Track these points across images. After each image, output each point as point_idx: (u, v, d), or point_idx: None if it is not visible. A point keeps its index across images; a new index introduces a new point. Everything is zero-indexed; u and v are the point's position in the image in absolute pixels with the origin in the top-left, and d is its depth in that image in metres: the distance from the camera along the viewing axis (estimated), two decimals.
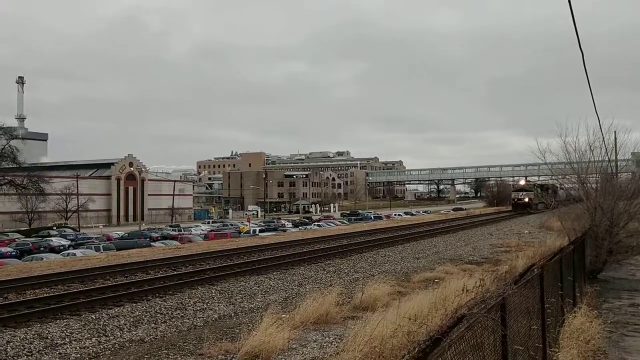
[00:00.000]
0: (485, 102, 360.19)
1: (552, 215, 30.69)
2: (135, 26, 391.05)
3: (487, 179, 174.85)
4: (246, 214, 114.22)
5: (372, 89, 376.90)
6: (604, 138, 19.66)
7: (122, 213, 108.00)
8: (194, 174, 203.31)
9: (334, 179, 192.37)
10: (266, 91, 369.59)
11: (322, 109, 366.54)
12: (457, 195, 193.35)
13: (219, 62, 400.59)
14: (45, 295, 16.52)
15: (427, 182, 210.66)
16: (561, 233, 23.19)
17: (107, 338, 12.06)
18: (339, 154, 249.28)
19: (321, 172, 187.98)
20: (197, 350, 10.81)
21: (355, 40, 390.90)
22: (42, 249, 48.55)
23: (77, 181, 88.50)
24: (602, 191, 19.34)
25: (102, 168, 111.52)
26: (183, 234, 60.62)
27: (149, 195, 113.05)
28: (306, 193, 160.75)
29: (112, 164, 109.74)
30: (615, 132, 21.06)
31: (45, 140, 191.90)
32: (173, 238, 56.37)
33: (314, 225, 70.91)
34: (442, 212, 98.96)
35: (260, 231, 59.38)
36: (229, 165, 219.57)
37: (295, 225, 75.06)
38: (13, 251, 46.93)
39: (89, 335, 12.16)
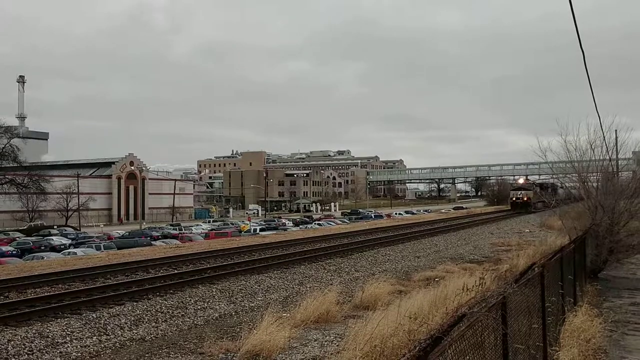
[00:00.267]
0: (486, 101, 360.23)
1: (552, 214, 30.73)
2: (136, 26, 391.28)
3: (487, 178, 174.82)
4: (247, 213, 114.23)
5: (373, 88, 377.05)
6: (604, 137, 19.64)
7: (122, 212, 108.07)
8: (195, 173, 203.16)
9: (334, 178, 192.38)
10: (268, 90, 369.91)
11: (323, 108, 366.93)
12: (458, 194, 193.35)
13: (221, 62, 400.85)
14: (46, 294, 16.52)
15: (427, 181, 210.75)
16: (562, 232, 23.18)
17: (108, 337, 12.07)
18: (340, 153, 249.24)
19: (322, 171, 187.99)
20: (198, 349, 10.82)
21: (357, 39, 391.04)
22: (42, 248, 48.59)
23: (77, 180, 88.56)
24: (603, 190, 19.33)
25: (102, 167, 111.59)
26: (184, 233, 60.62)
27: (149, 194, 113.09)
28: (307, 192, 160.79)
29: (113, 163, 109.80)
30: (616, 130, 21.03)
31: (46, 140, 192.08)
32: (174, 237, 56.38)
33: (315, 224, 70.88)
34: (442, 211, 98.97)
35: (261, 230, 59.39)
36: (229, 164, 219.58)
37: (296, 224, 75.05)
38: (14, 250, 46.98)
39: (89, 334, 12.17)
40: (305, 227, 64.39)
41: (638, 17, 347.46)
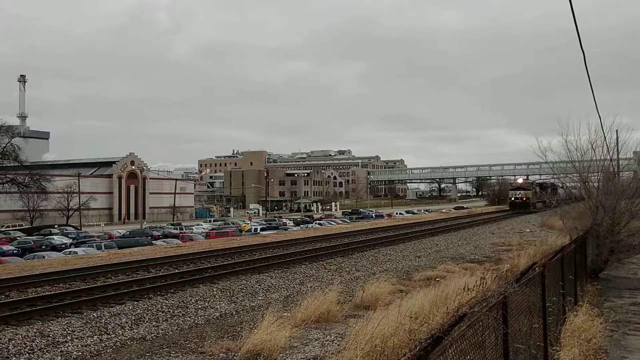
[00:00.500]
0: (486, 101, 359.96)
1: (553, 214, 30.71)
2: (136, 25, 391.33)
3: (488, 178, 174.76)
4: (247, 213, 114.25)
5: (373, 88, 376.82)
6: (605, 137, 19.62)
7: (123, 211, 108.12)
8: (196, 173, 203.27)
9: (335, 178, 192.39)
10: (268, 90, 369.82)
11: (323, 108, 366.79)
12: (459, 194, 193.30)
13: (221, 61, 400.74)
14: (47, 293, 16.53)
15: (428, 181, 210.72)
16: (562, 232, 23.17)
17: (109, 336, 12.08)
18: (341, 152, 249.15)
19: (322, 171, 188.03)
20: (199, 349, 10.83)
21: (357, 39, 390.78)
22: (43, 247, 48.64)
23: (78, 179, 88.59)
24: (604, 190, 19.31)
25: (103, 166, 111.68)
26: (184, 233, 60.65)
27: (150, 193, 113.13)
28: (307, 192, 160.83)
29: (114, 162, 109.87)
30: (617, 130, 21.00)
31: (47, 139, 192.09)
32: (174, 236, 56.40)
33: (315, 223, 70.87)
34: (443, 211, 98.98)
35: (262, 230, 59.41)
36: (230, 163, 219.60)
37: (297, 223, 75.04)
38: (15, 249, 47.02)
39: (90, 333, 12.18)
40: (306, 227, 64.38)
41: (638, 16, 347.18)
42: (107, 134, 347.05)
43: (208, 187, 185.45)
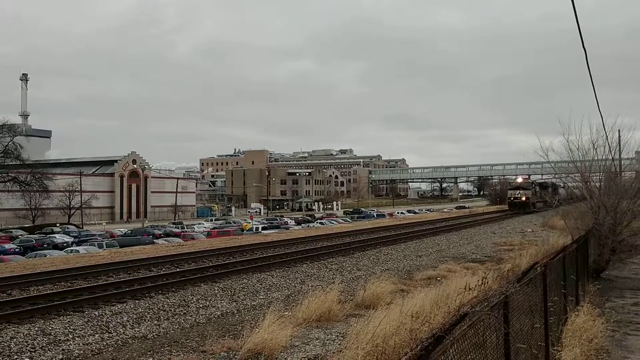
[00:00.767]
0: (488, 100, 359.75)
1: (555, 214, 30.69)
2: (137, 25, 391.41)
3: (490, 178, 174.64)
4: (249, 212, 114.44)
5: (375, 87, 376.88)
6: (607, 136, 19.58)
7: (125, 210, 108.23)
8: (197, 172, 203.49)
9: (336, 177, 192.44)
10: (270, 90, 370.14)
11: (324, 108, 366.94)
12: (460, 194, 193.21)
13: (222, 61, 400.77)
14: (48, 291, 16.55)
15: (430, 181, 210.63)
16: (564, 232, 23.15)
17: (110, 334, 12.09)
18: (342, 152, 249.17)
19: (324, 170, 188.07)
20: (200, 347, 10.83)
21: (359, 39, 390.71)
22: (45, 245, 48.73)
23: (80, 178, 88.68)
24: (606, 190, 19.28)
25: (105, 165, 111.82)
26: (186, 232, 60.73)
27: (152, 192, 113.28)
28: (309, 191, 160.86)
29: (116, 161, 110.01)
30: (619, 130, 20.97)
31: (49, 138, 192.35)
32: (176, 235, 56.53)
33: (317, 223, 70.93)
34: (445, 210, 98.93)
35: (263, 229, 59.48)
36: (232, 162, 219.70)
37: (298, 223, 75.09)
38: (17, 248, 47.13)
39: (92, 331, 12.19)
40: (307, 226, 64.43)
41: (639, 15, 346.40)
42: (109, 133, 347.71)
43: (209, 186, 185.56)
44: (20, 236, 59.28)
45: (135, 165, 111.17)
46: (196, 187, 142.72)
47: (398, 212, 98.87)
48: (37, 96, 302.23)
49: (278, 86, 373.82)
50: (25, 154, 71.25)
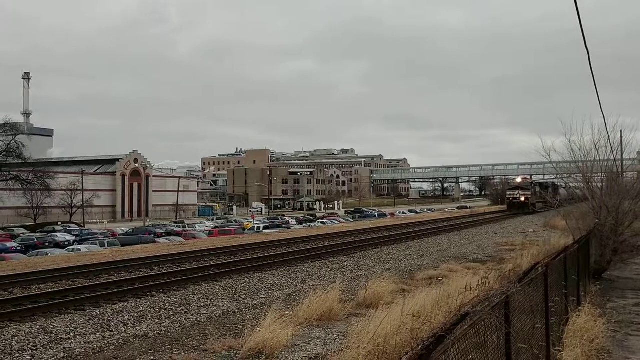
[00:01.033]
0: (489, 100, 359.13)
1: (556, 214, 30.65)
2: (138, 25, 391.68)
3: (492, 178, 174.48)
4: (250, 211, 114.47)
5: (377, 86, 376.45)
6: (609, 137, 19.59)
7: (126, 209, 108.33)
8: (199, 171, 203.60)
9: (338, 177, 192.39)
10: (271, 89, 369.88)
11: (325, 107, 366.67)
12: (462, 194, 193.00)
13: (225, 60, 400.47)
14: (50, 290, 16.57)
15: (431, 181, 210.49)
16: (566, 232, 23.14)
17: (112, 333, 12.11)
18: (344, 151, 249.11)
19: (325, 170, 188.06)
20: (201, 346, 10.84)
21: (360, 38, 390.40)
22: (47, 244, 48.79)
23: (82, 177, 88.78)
24: (608, 190, 19.27)
25: (107, 164, 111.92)
26: (187, 231, 60.76)
27: (153, 191, 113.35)
28: (310, 190, 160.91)
29: (117, 160, 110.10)
30: (621, 130, 20.98)
31: (51, 136, 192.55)
32: (177, 234, 56.56)
33: (318, 222, 70.94)
34: (446, 210, 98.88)
35: (265, 228, 59.50)
36: (233, 162, 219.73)
37: (299, 222, 75.11)
38: (18, 246, 47.20)
39: (93, 330, 12.21)
40: (309, 226, 64.44)
41: None
42: (110, 132, 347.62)
43: (211, 185, 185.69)
44: (22, 235, 59.36)
45: (137, 164, 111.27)
46: (198, 186, 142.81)
47: (399, 212, 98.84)
48: (39, 95, 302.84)
49: (279, 86, 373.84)
50: (27, 152, 71.30)
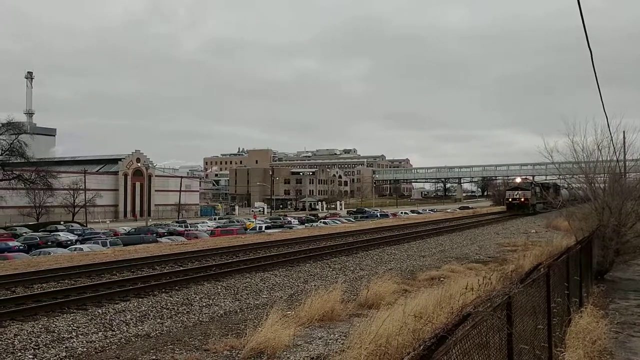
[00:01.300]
0: (492, 100, 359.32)
1: (558, 215, 30.62)
2: (142, 23, 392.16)
3: (494, 178, 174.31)
4: (252, 211, 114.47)
5: (380, 86, 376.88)
6: (612, 137, 19.56)
7: (129, 209, 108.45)
8: (201, 171, 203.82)
9: (340, 177, 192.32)
10: (274, 88, 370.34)
11: (329, 106, 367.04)
12: (464, 194, 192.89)
13: (227, 59, 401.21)
14: (52, 289, 16.60)
15: (433, 181, 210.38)
16: (568, 233, 23.11)
17: (114, 332, 12.12)
18: (346, 151, 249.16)
19: (328, 170, 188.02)
20: (203, 346, 10.85)
21: (363, 37, 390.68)
22: (49, 243, 48.85)
23: (84, 176, 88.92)
24: (610, 191, 19.24)
25: (109, 164, 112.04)
26: (189, 230, 60.81)
27: (155, 191, 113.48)
28: (312, 190, 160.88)
29: (120, 159, 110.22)
30: (624, 131, 20.91)
31: (54, 136, 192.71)
32: (179, 234, 56.60)
33: (320, 222, 70.93)
34: (448, 210, 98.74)
35: (267, 228, 59.49)
36: (235, 161, 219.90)
37: (302, 222, 75.07)
38: (21, 245, 47.27)
39: (95, 329, 12.22)
40: (311, 226, 64.42)
41: None
42: (113, 131, 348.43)
43: (213, 185, 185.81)
44: (24, 234, 59.45)
45: (139, 164, 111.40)
46: (200, 186, 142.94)
47: (402, 212, 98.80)
48: (42, 94, 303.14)
49: (283, 84, 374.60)
50: (30, 152, 71.30)
